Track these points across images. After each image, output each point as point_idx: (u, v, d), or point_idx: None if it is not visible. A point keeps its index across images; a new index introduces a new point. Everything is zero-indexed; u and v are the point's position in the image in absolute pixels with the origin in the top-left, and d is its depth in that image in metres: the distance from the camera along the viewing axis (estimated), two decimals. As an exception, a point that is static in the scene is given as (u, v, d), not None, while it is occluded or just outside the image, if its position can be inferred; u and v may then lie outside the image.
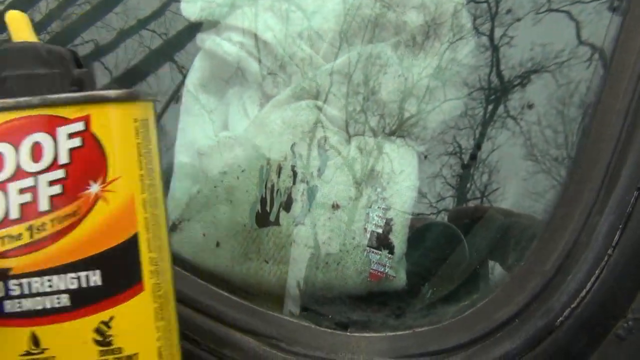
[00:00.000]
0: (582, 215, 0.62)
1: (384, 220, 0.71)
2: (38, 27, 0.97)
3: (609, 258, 0.61)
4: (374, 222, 0.71)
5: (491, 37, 0.62)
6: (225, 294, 0.72)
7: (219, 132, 0.84)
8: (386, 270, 0.70)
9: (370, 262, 0.71)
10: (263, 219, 0.75)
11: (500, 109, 0.62)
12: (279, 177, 0.76)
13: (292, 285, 0.73)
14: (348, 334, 0.66)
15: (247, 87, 0.85)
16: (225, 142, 0.80)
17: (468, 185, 0.69)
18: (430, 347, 0.63)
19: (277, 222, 0.75)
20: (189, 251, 0.77)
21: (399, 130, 0.70)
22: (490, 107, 0.61)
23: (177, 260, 0.77)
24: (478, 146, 0.63)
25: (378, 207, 0.72)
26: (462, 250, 0.73)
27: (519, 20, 0.61)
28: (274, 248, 0.74)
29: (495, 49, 0.63)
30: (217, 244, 0.76)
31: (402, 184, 0.72)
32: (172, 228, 0.79)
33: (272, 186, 0.76)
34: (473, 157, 0.65)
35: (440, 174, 0.71)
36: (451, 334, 0.63)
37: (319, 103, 0.76)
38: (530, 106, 0.61)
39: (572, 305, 0.61)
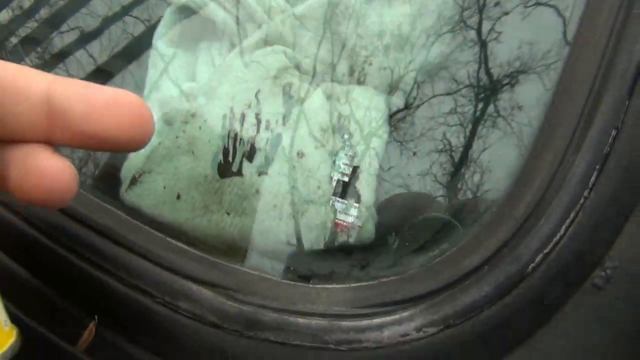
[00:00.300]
0: (556, 156, 0.58)
1: (351, 168, 0.67)
2: (27, 14, 0.95)
3: (585, 200, 0.57)
4: (340, 170, 0.68)
5: (479, 32, 0.60)
6: (184, 246, 0.68)
7: (184, 84, 0.80)
8: (352, 220, 0.66)
9: (335, 212, 0.67)
10: (225, 169, 0.71)
11: (491, 108, 0.60)
12: (242, 125, 0.72)
13: (254, 238, 0.69)
14: (310, 285, 0.62)
15: (217, 39, 0.81)
16: (189, 92, 0.76)
17: (459, 184, 0.66)
18: (394, 296, 0.59)
19: (239, 173, 0.71)
20: (149, 204, 0.73)
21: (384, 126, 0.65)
22: (480, 106, 0.60)
23: (136, 213, 0.73)
24: (469, 145, 0.60)
25: (345, 155, 0.68)
26: (436, 207, 0.69)
27: (507, 14, 0.60)
28: (236, 199, 0.70)
29: (483, 44, 0.60)
30: (178, 196, 0.73)
31: (371, 131, 0.68)
32: (132, 181, 0.75)
33: (235, 135, 0.73)
34: (464, 155, 0.62)
35: (430, 172, 0.67)
36: (416, 283, 0.59)
37: (287, 49, 0.72)
38: (520, 107, 0.60)
39: (545, 251, 0.57)
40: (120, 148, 0.41)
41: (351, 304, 0.60)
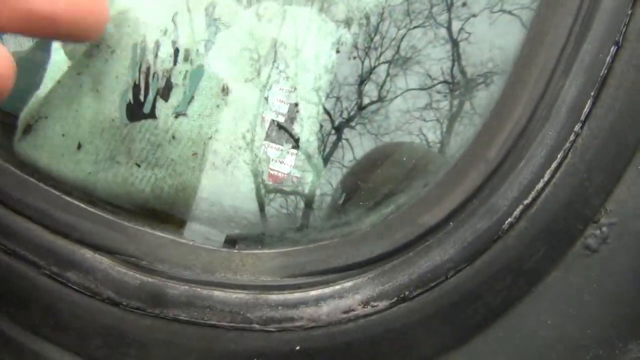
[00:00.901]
0: (539, 81, 0.45)
1: (287, 106, 0.54)
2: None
3: (577, 137, 0.44)
4: (274, 109, 0.54)
5: (449, 30, 0.56)
6: (82, 205, 0.54)
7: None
8: (288, 171, 0.53)
9: (269, 160, 0.53)
10: (135, 110, 0.57)
11: (467, 105, 0.57)
12: (156, 57, 0.58)
13: (169, 195, 0.55)
14: (234, 250, 0.49)
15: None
16: (94, 18, 0.61)
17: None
18: (335, 262, 0.46)
19: (152, 114, 0.57)
20: (44, 156, 0.59)
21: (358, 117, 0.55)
22: (455, 102, 0.57)
23: (29, 168, 0.59)
24: (446, 141, 0.57)
25: (280, 89, 0.54)
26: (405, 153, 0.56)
27: (474, 16, 0.57)
28: (148, 147, 0.57)
29: (455, 43, 0.57)
30: (79, 146, 0.58)
31: (313, 59, 0.54)
32: (26, 129, 0.61)
33: (148, 69, 0.58)
34: (441, 152, 0.57)
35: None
36: (365, 244, 0.46)
37: (208, -40, 0.57)
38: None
39: (525, 202, 0.44)
40: (71, 34, 0.39)
41: (282, 272, 0.47)
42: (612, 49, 0.45)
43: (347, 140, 0.57)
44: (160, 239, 0.52)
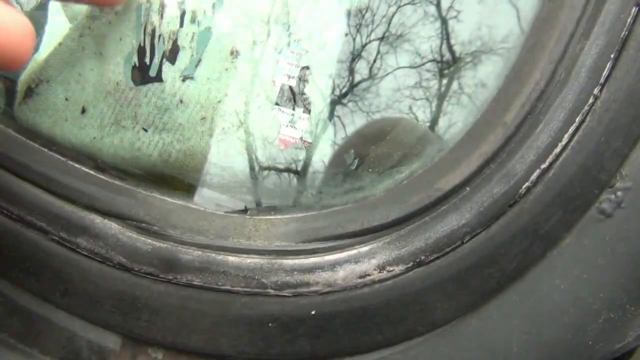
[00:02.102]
0: (559, 43, 0.44)
1: (299, 69, 0.52)
2: None
3: (595, 100, 0.44)
4: (285, 72, 0.53)
5: (438, 7, 0.55)
6: (89, 170, 0.53)
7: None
8: (300, 135, 0.52)
9: (279, 125, 0.52)
10: (141, 74, 0.56)
11: (455, 84, 0.57)
12: (161, 18, 0.56)
13: (177, 160, 0.54)
14: (247, 216, 0.49)
15: None
16: (95, -22, 0.59)
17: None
18: (351, 226, 0.45)
19: (159, 78, 0.56)
20: (47, 121, 0.58)
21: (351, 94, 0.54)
22: (444, 82, 0.57)
23: (32, 133, 0.58)
24: (435, 119, 0.57)
25: (291, 52, 0.53)
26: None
27: None
28: (155, 112, 0.55)
29: (443, 21, 0.56)
30: (83, 110, 0.57)
31: (325, 18, 0.53)
32: (28, 93, 0.59)
33: (153, 31, 0.57)
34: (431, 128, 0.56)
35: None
36: (380, 209, 0.46)
37: None
38: (484, 85, 0.55)
39: (542, 167, 0.44)
40: None
41: (297, 237, 0.47)
42: (633, 10, 0.44)
43: (339, 117, 0.56)
44: (171, 204, 0.51)
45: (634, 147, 0.45)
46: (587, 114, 0.44)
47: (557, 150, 0.44)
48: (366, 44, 0.57)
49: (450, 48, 0.57)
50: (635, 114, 0.45)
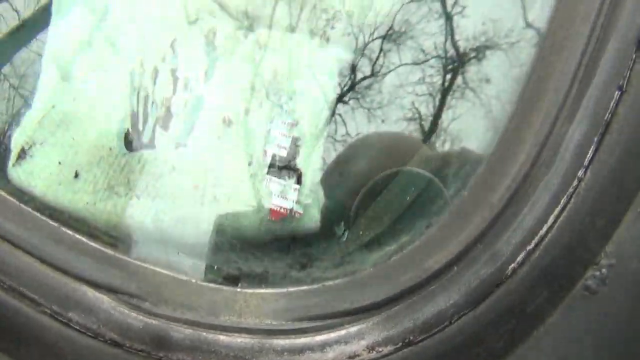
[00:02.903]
0: (544, 125, 0.45)
1: (290, 139, 0.53)
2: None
3: (580, 182, 0.44)
4: (276, 142, 0.53)
5: (443, 4, 0.56)
6: (81, 238, 0.53)
7: (94, 33, 0.63)
8: (291, 206, 0.53)
9: (271, 195, 0.53)
10: (134, 140, 0.56)
11: (459, 80, 0.58)
12: (154, 84, 0.57)
13: (169, 227, 0.55)
14: (238, 289, 0.49)
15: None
16: (90, 41, 0.60)
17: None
18: (342, 305, 0.46)
19: (151, 145, 0.56)
20: (40, 184, 0.58)
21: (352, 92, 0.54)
22: (448, 77, 0.58)
23: (24, 196, 0.58)
24: (438, 114, 0.58)
25: (282, 122, 0.54)
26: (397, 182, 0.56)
27: None
28: (148, 178, 0.56)
29: (448, 17, 0.57)
30: (76, 175, 0.58)
31: (316, 92, 0.54)
32: (21, 155, 0.59)
33: (146, 97, 0.57)
34: (434, 124, 0.59)
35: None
36: (369, 287, 0.47)
37: (208, -15, 0.56)
38: (487, 80, 0.57)
39: (528, 248, 0.45)
40: None
41: (287, 315, 0.48)
42: (616, 94, 0.45)
43: (340, 115, 0.56)
44: (163, 276, 0.51)
45: (617, 226, 0.46)
46: (572, 195, 0.45)
47: (543, 231, 0.45)
48: (369, 43, 0.57)
49: (454, 44, 0.57)
50: (619, 195, 0.46)
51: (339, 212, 0.55)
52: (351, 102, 0.57)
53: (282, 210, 0.53)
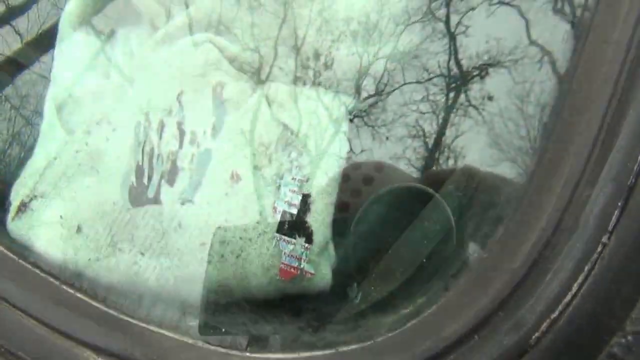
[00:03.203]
0: (566, 189, 0.44)
1: (300, 197, 0.51)
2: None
3: (604, 248, 0.43)
4: (286, 199, 0.52)
5: (447, 24, 0.57)
6: (84, 297, 0.51)
7: (100, 79, 0.62)
8: (302, 265, 0.51)
9: (281, 254, 0.51)
10: (139, 195, 0.55)
11: (462, 97, 0.59)
12: (160, 137, 0.56)
13: (175, 287, 0.53)
14: (247, 354, 0.47)
15: (139, 23, 0.63)
16: (93, 90, 0.58)
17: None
18: (355, 376, 0.44)
19: (157, 200, 0.54)
20: (41, 239, 0.57)
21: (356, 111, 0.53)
22: (451, 95, 0.59)
23: (24, 252, 0.56)
24: (442, 132, 0.59)
25: (292, 179, 0.52)
26: (405, 239, 0.54)
27: (473, 9, 0.57)
28: (153, 235, 0.54)
29: (452, 37, 0.57)
30: (78, 229, 0.56)
31: (326, 148, 0.52)
32: (21, 208, 0.58)
33: (152, 150, 0.56)
34: (437, 141, 0.59)
35: (403, 156, 0.58)
36: (385, 355, 0.44)
37: (215, 38, 0.55)
38: (490, 98, 0.58)
39: (552, 316, 0.43)
40: None
41: (299, 384, 0.45)
42: (639, 157, 0.44)
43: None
44: (169, 340, 0.49)
45: (643, 292, 0.45)
46: (596, 262, 0.44)
47: (567, 299, 0.43)
48: (373, 62, 0.57)
49: (458, 62, 0.57)
50: (644, 260, 0.44)
51: (350, 272, 0.53)
52: (355, 120, 0.56)
53: (292, 269, 0.51)
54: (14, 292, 0.53)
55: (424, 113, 0.58)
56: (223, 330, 0.51)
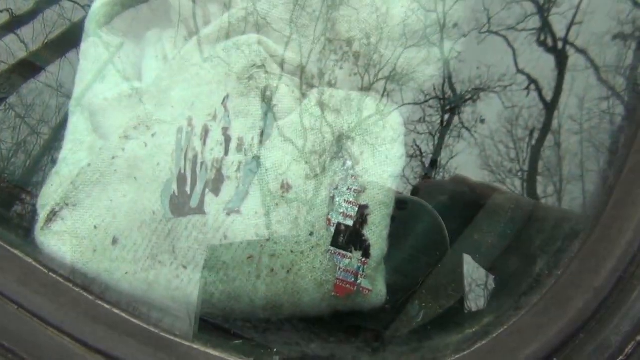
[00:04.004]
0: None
1: (356, 208, 0.48)
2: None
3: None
4: (341, 211, 0.49)
5: (441, 49, 0.57)
6: (121, 314, 0.48)
7: (125, 83, 0.59)
8: (359, 281, 0.48)
9: (335, 269, 0.48)
10: (181, 204, 0.51)
11: (456, 119, 0.61)
12: (204, 144, 0.52)
13: (220, 302, 0.49)
14: (301, 375, 0.44)
15: (169, 25, 0.60)
16: (130, 94, 0.55)
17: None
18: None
19: (200, 209, 0.51)
20: (72, 250, 0.53)
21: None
22: (446, 117, 0.61)
23: (54, 263, 0.52)
24: (437, 152, 0.61)
25: (347, 189, 0.49)
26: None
27: (465, 36, 0.59)
28: (196, 247, 0.51)
29: (445, 61, 0.58)
30: (114, 241, 0.52)
31: (383, 156, 0.49)
32: (50, 217, 0.54)
33: (195, 157, 0.53)
34: (433, 162, 0.60)
35: (401, 175, 0.55)
36: (455, 379, 0.41)
37: (263, 38, 0.52)
38: (482, 121, 0.60)
39: (638, 338, 0.40)
40: None
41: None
42: None
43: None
44: (214, 359, 0.46)
45: None
46: (684, 280, 0.41)
47: (654, 320, 0.40)
48: (374, 83, 0.56)
49: (451, 86, 0.59)
50: None
51: (407, 286, 0.50)
52: (374, 141, 0.54)
53: (347, 285, 0.48)
54: (47, 309, 0.49)
55: (421, 134, 0.59)
56: (275, 350, 0.47)
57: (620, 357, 0.41)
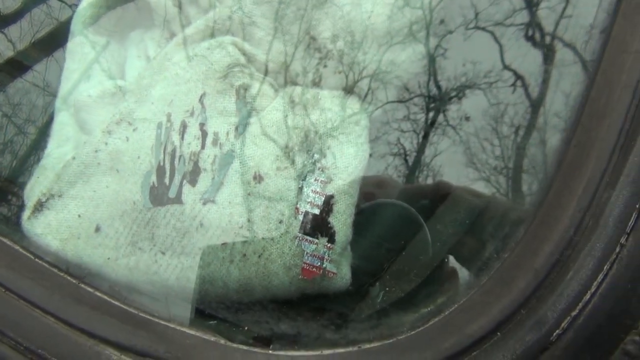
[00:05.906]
0: (586, 191, 0.46)
1: (323, 198, 0.52)
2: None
3: (622, 249, 0.45)
4: (309, 200, 0.53)
5: (427, 46, 0.59)
6: (103, 296, 0.51)
7: (109, 81, 0.62)
8: (324, 265, 0.52)
9: (303, 254, 0.52)
10: (160, 195, 0.55)
11: (441, 117, 0.61)
12: (182, 138, 0.56)
13: (197, 285, 0.53)
14: (270, 351, 0.47)
15: (152, 26, 0.64)
16: (113, 92, 0.59)
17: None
18: (381, 372, 0.44)
19: (178, 200, 0.55)
20: (58, 238, 0.56)
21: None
22: (431, 115, 0.61)
23: (42, 250, 0.56)
24: (421, 150, 0.62)
25: (315, 180, 0.53)
26: (423, 238, 0.55)
27: (451, 32, 0.60)
28: (174, 234, 0.54)
29: (431, 58, 0.60)
30: (97, 229, 0.56)
31: (348, 149, 0.53)
32: (37, 207, 0.57)
33: (173, 151, 0.56)
34: (417, 159, 0.62)
35: (385, 173, 0.61)
36: (408, 352, 0.45)
37: (239, 40, 0.56)
38: (467, 118, 0.61)
39: (573, 314, 0.44)
40: None
41: (324, 381, 0.46)
42: (657, 160, 0.45)
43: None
44: (191, 338, 0.49)
45: (658, 291, 0.46)
46: (614, 262, 0.45)
47: (587, 297, 0.45)
48: (358, 80, 0.58)
49: (437, 83, 0.60)
50: (659, 260, 0.46)
51: (371, 271, 0.54)
52: (340, 136, 0.57)
53: (314, 269, 0.52)
54: (33, 292, 0.52)
55: (405, 131, 0.60)
56: (246, 328, 0.51)
57: (557, 331, 0.45)
